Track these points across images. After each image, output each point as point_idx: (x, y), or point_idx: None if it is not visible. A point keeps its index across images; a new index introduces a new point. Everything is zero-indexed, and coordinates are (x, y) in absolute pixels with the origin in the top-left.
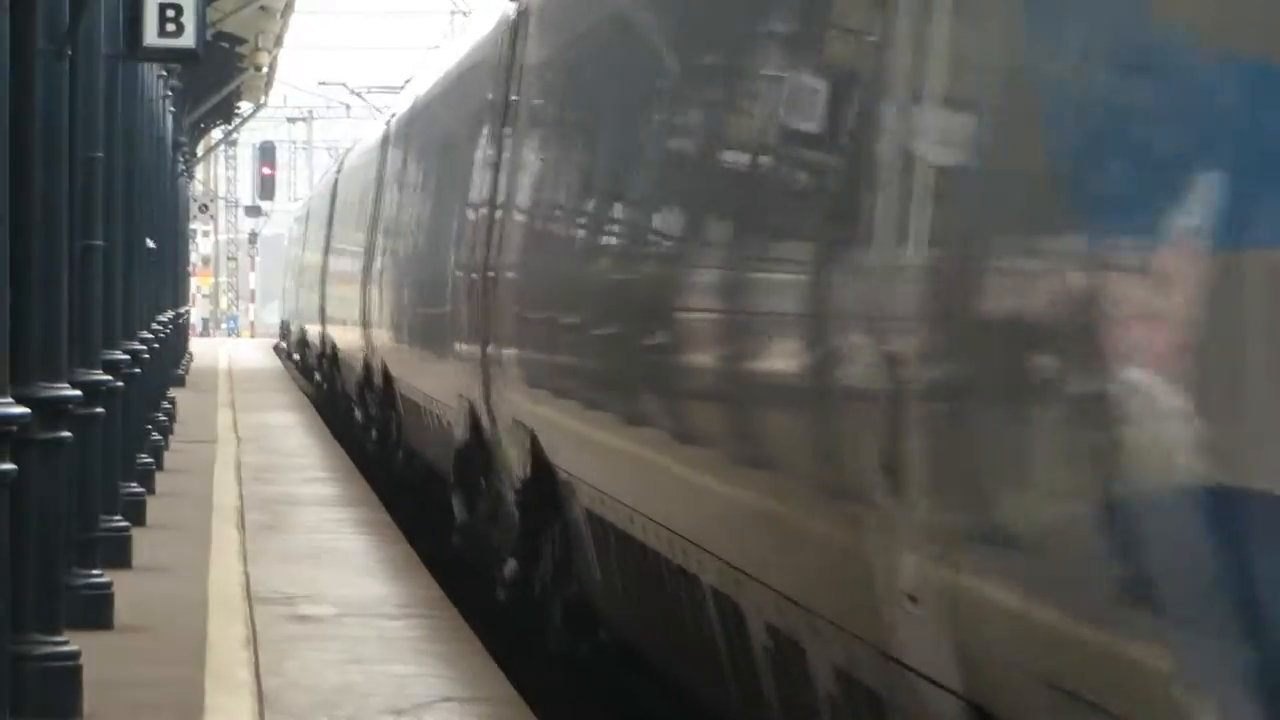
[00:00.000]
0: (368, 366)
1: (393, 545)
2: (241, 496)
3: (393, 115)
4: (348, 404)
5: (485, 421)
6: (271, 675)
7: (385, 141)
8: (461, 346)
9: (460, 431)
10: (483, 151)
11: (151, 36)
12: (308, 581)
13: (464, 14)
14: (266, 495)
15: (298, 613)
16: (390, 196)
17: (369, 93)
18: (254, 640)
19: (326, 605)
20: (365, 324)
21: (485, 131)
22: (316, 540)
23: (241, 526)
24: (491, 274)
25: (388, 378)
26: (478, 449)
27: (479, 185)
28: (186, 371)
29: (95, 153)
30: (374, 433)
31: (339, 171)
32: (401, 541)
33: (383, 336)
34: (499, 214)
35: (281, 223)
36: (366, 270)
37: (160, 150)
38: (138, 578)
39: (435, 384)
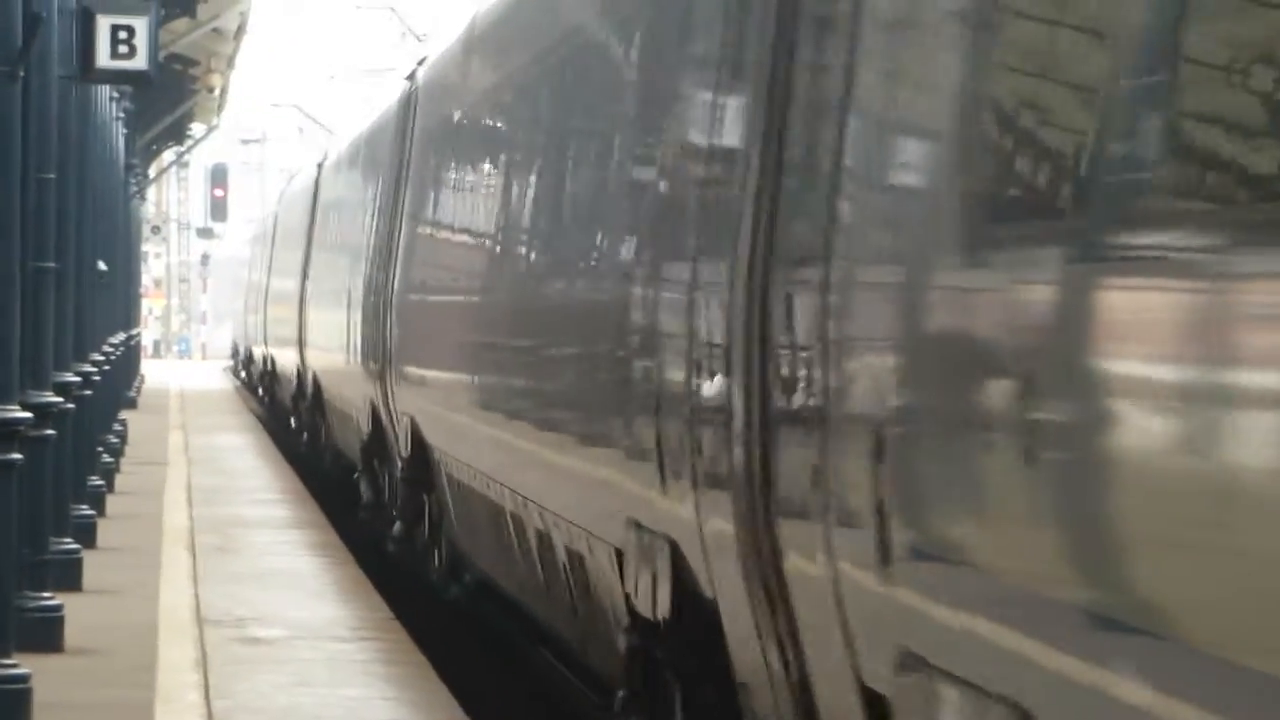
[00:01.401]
0: (379, 423)
1: (343, 567)
2: (192, 518)
3: (422, 63)
4: (341, 468)
5: (726, 597)
6: (221, 698)
7: (409, 103)
8: (641, 432)
9: (641, 589)
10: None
11: (104, 58)
12: (258, 604)
13: (417, 37)
14: (217, 517)
15: (248, 635)
16: (424, 183)
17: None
18: (204, 663)
19: (277, 628)
20: (373, 359)
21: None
22: (267, 562)
23: (192, 548)
24: (826, 287)
25: (420, 444)
26: (695, 627)
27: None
28: (138, 393)
29: (48, 174)
30: (398, 524)
31: (322, 166)
32: (351, 563)
33: (411, 382)
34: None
35: (233, 245)
36: (374, 286)
37: (112, 172)
38: (88, 600)
39: (552, 486)
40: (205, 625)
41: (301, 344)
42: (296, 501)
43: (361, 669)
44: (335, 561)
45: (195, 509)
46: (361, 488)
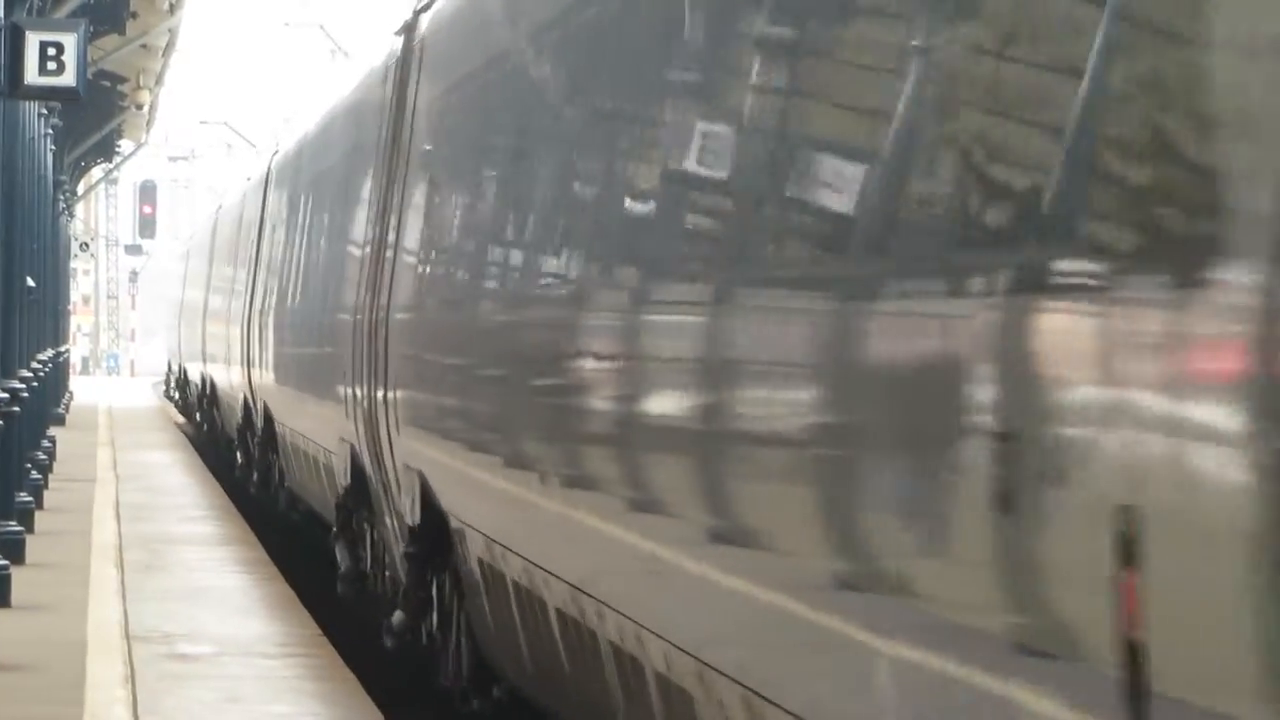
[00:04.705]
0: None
1: (271, 584)
2: (120, 535)
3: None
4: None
5: None
6: (150, 714)
7: None
8: None
9: None
10: None
11: (32, 75)
12: (187, 620)
13: (345, 53)
14: (146, 534)
15: (176, 652)
16: None
17: None
18: (132, 679)
19: (205, 644)
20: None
21: None
22: (195, 579)
23: (121, 565)
24: None
25: None
26: None
27: None
28: (66, 410)
29: None
30: None
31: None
32: (279, 580)
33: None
34: None
35: (163, 261)
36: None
37: (41, 189)
38: (16, 617)
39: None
40: (134, 642)
41: (384, 392)
42: (224, 518)
43: (289, 685)
44: (263, 578)
45: (124, 526)
46: None
